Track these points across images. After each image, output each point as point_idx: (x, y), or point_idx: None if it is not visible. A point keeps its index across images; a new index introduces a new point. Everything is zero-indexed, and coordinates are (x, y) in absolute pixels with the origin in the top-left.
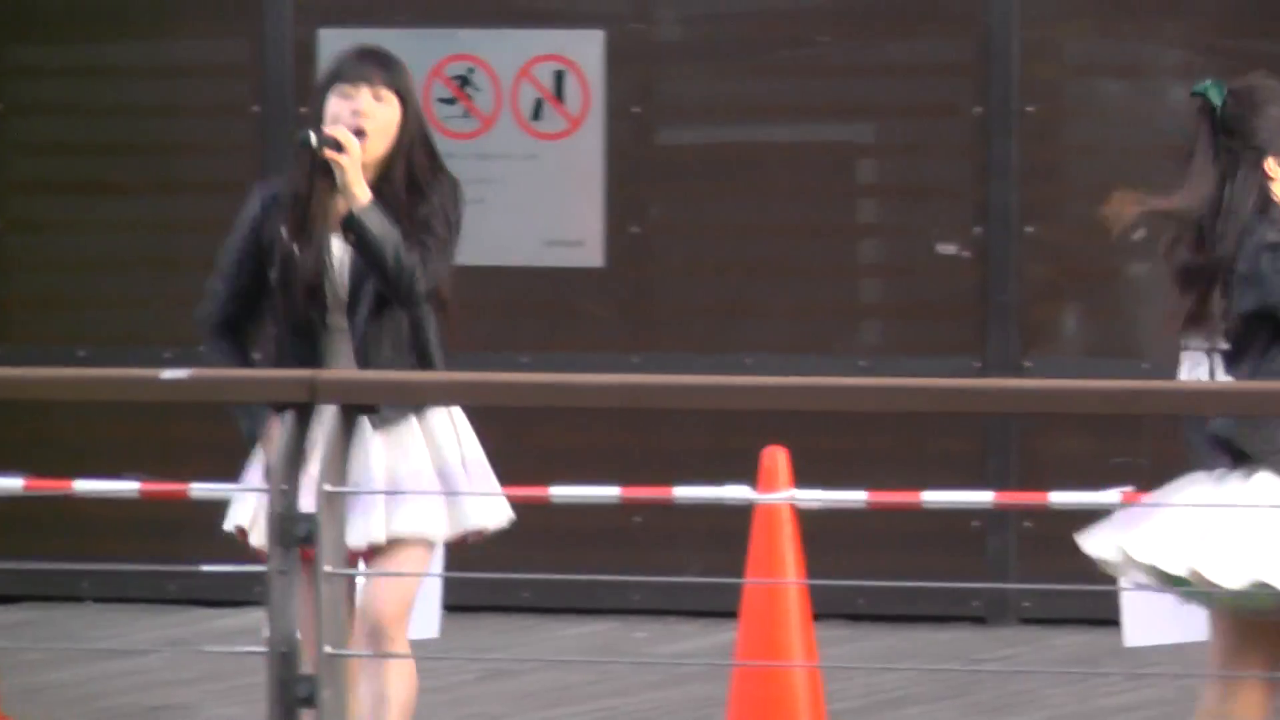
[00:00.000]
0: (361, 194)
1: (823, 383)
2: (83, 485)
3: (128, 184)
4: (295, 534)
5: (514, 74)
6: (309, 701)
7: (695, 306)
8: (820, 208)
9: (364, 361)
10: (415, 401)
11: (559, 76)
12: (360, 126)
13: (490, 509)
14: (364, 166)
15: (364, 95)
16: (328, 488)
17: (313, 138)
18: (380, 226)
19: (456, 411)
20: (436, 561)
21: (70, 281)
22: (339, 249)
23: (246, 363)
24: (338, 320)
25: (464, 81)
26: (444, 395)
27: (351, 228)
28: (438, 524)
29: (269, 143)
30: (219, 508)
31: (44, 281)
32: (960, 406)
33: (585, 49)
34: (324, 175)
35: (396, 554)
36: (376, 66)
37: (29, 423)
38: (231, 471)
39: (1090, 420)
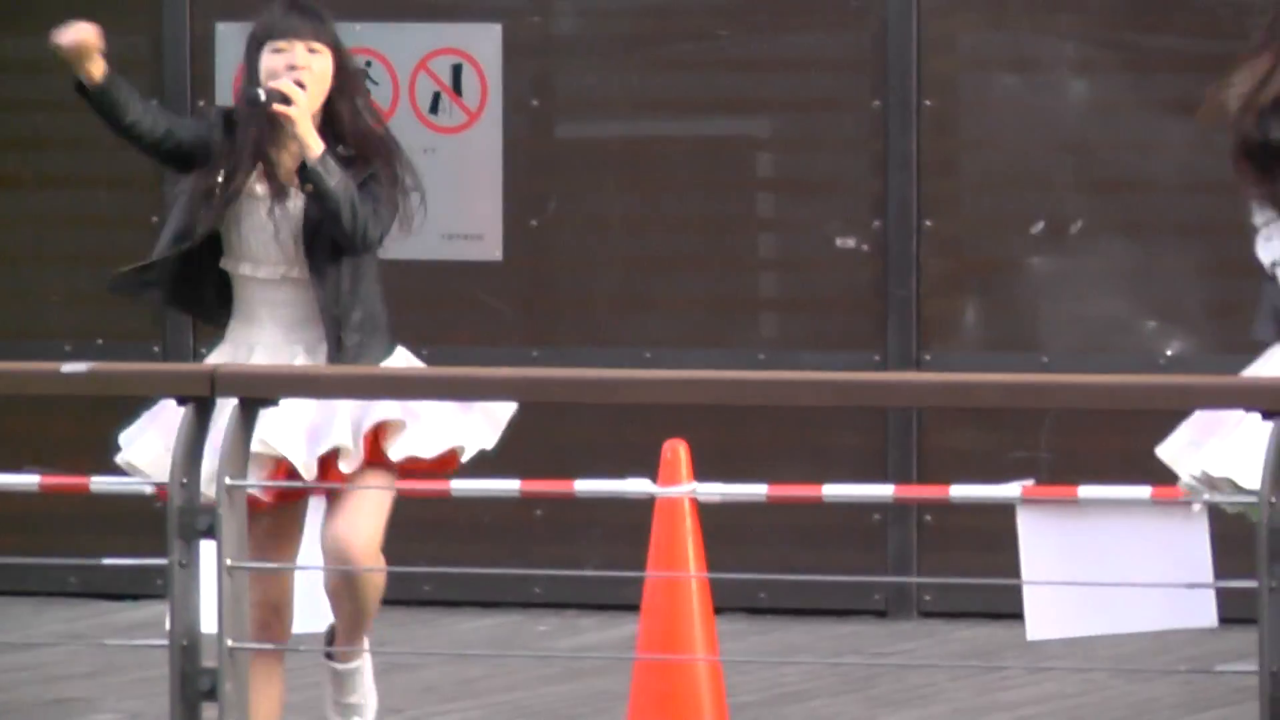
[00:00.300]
0: (314, 145)
1: (723, 376)
2: None
3: (26, 178)
4: (196, 527)
5: (411, 67)
6: (210, 695)
7: (594, 300)
8: (719, 202)
9: (332, 307)
10: (319, 395)
11: (457, 70)
12: (299, 80)
13: (472, 431)
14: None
15: (298, 49)
16: (228, 481)
17: (261, 94)
18: (335, 175)
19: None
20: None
21: None
22: (292, 203)
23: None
24: (288, 271)
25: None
26: (348, 388)
27: (309, 179)
28: (417, 442)
29: None
30: (121, 502)
31: None
32: (860, 400)
33: (483, 43)
34: (272, 129)
35: (364, 477)
36: (306, 19)
37: None
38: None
39: (990, 414)
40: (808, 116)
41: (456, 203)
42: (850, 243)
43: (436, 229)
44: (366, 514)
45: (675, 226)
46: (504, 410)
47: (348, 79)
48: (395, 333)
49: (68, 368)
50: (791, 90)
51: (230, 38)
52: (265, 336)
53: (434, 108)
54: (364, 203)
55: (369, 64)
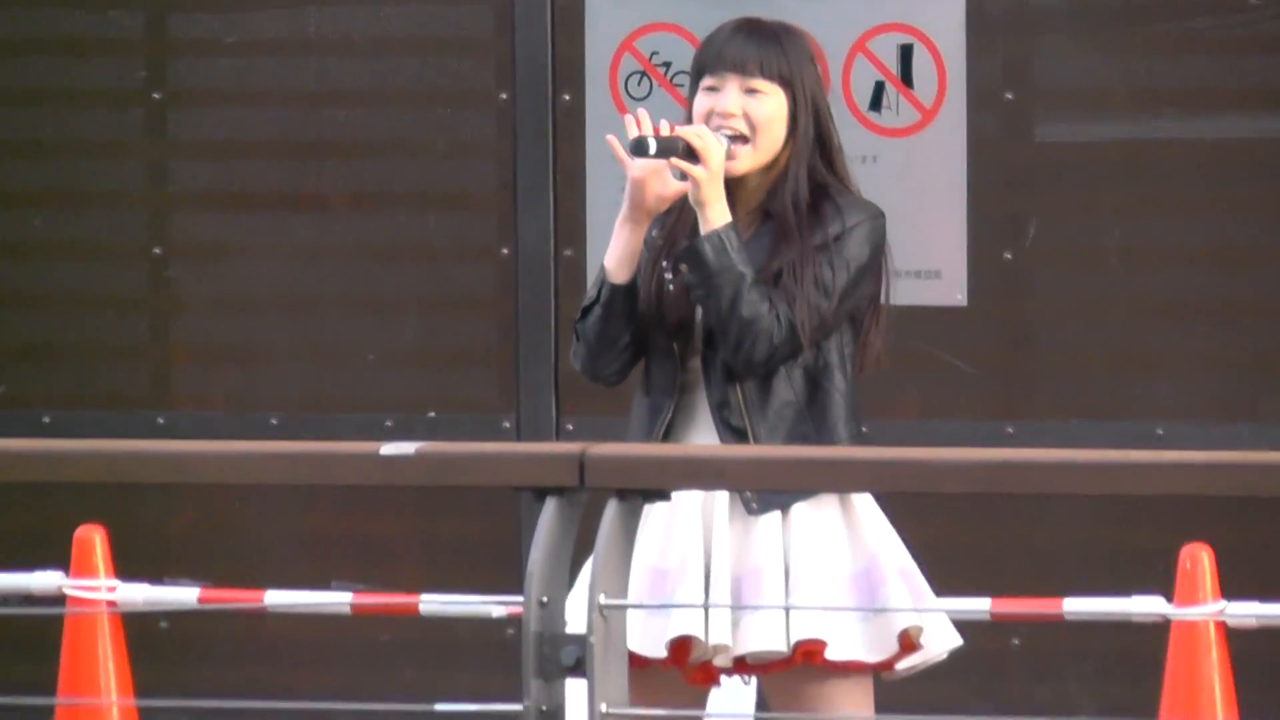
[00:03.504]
0: (716, 215)
1: (1258, 459)
2: (277, 597)
3: (335, 199)
4: (560, 662)
5: (845, 50)
6: None
7: (1086, 358)
8: (1251, 227)
9: (721, 424)
10: (719, 486)
11: (906, 53)
12: (729, 129)
13: (932, 628)
14: (741, 182)
15: (730, 90)
16: (603, 600)
17: (651, 144)
18: (721, 259)
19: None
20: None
21: None
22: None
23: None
24: (694, 363)
25: None
26: (761, 474)
27: (684, 257)
28: (864, 640)
29: None
30: (459, 627)
31: None
32: None
33: (940, 16)
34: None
35: (819, 686)
36: (754, 44)
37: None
38: (469, 577)
39: None
40: None
41: (905, 229)
42: None
43: None
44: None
45: (1195, 260)
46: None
47: (806, 129)
48: (855, 415)
49: (389, 449)
50: None
51: (606, 13)
52: (675, 424)
53: (875, 103)
54: (761, 301)
55: None
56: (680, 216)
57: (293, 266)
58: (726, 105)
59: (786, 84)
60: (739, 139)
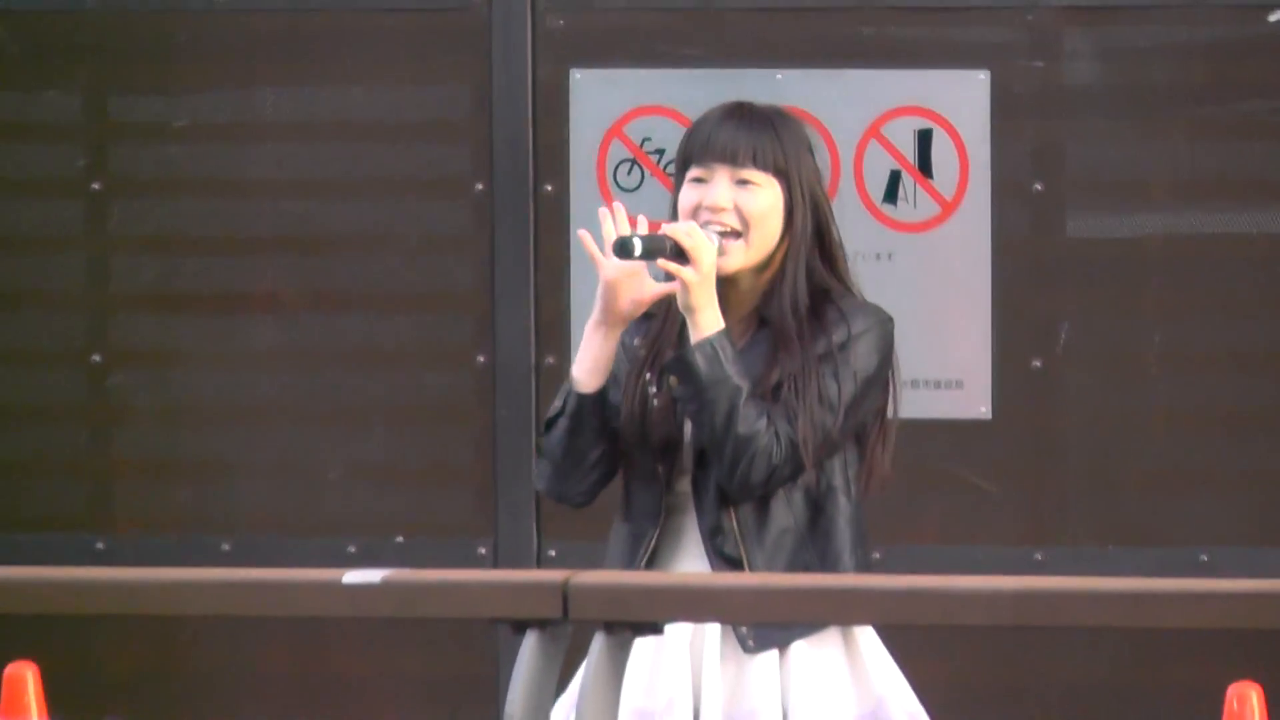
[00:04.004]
0: (707, 321)
1: None
2: None
3: (295, 296)
4: None
5: (858, 134)
6: None
7: (1123, 476)
8: None
9: (713, 553)
10: (716, 619)
11: (924, 138)
12: (719, 224)
13: None
14: (732, 285)
15: (720, 181)
16: None
17: (636, 245)
18: (714, 370)
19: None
20: None
21: None
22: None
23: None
24: (682, 485)
25: None
26: (760, 605)
27: (673, 369)
28: None
29: None
30: None
31: None
32: None
33: (962, 97)
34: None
35: None
36: (744, 131)
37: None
38: (442, 718)
39: None
40: None
41: (923, 334)
42: None
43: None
44: None
45: (1245, 367)
46: None
47: (803, 224)
48: (863, 542)
49: (353, 577)
50: None
51: (594, 95)
52: (660, 551)
53: (890, 194)
54: (759, 418)
55: None
56: (666, 322)
57: (247, 374)
58: (716, 198)
59: (781, 174)
60: (730, 234)
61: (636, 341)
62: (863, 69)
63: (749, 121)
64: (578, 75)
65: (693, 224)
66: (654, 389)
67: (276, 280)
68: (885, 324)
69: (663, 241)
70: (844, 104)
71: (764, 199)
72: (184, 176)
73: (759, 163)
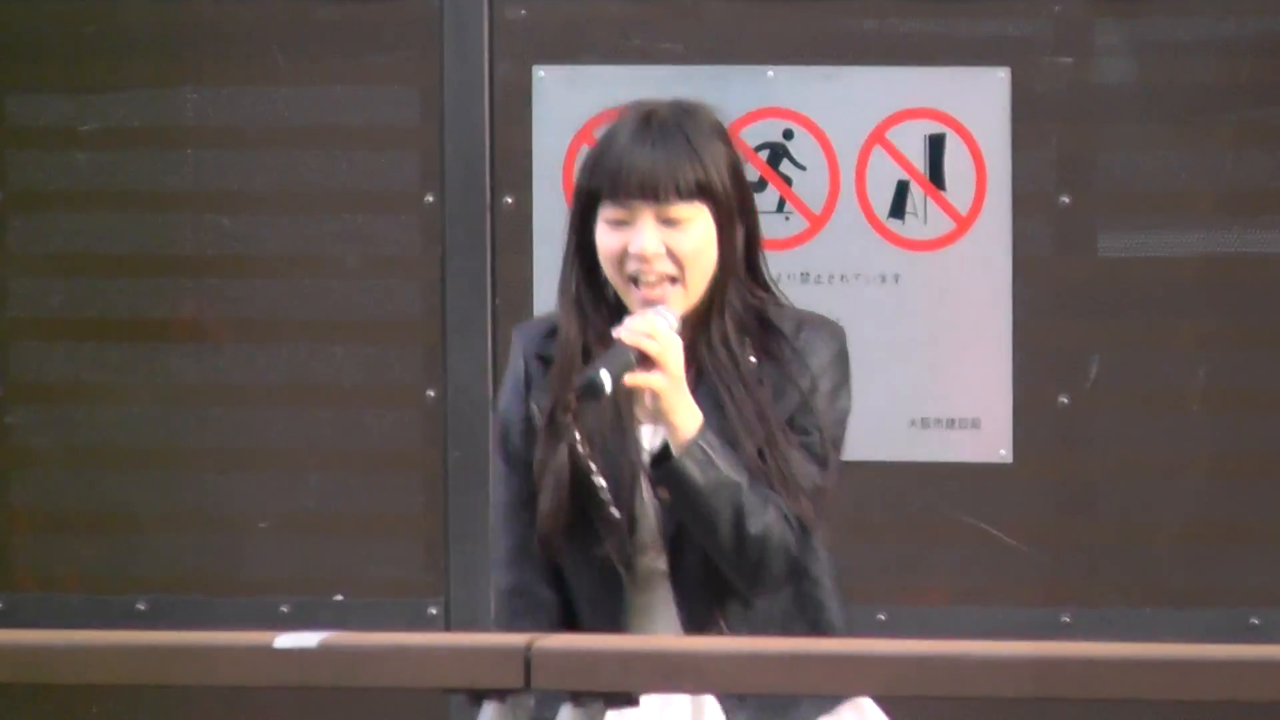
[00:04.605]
0: (686, 421)
1: None
2: None
3: (233, 339)
4: None
5: (860, 140)
6: None
7: (1161, 528)
8: None
9: (692, 622)
10: (697, 689)
11: (936, 144)
12: (654, 275)
13: None
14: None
15: (646, 226)
16: None
17: (604, 380)
18: (708, 475)
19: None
20: None
21: None
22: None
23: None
24: (652, 560)
25: (777, 154)
26: (736, 674)
27: (666, 480)
28: None
29: None
30: None
31: None
32: None
33: (978, 99)
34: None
35: None
36: (662, 150)
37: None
38: None
39: None
40: None
41: (936, 367)
42: None
43: (904, 412)
44: None
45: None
46: None
47: (734, 240)
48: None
49: (285, 640)
50: None
51: (558, 97)
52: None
53: (897, 208)
54: (765, 507)
55: (789, 135)
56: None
57: (164, 410)
58: (644, 246)
59: (706, 193)
60: (666, 280)
61: (539, 408)
62: (865, 66)
63: (661, 137)
64: (541, 73)
65: (651, 318)
66: (614, 510)
67: (199, 306)
68: (839, 338)
69: (626, 356)
70: (844, 106)
71: (696, 234)
72: (93, 188)
73: (683, 193)
